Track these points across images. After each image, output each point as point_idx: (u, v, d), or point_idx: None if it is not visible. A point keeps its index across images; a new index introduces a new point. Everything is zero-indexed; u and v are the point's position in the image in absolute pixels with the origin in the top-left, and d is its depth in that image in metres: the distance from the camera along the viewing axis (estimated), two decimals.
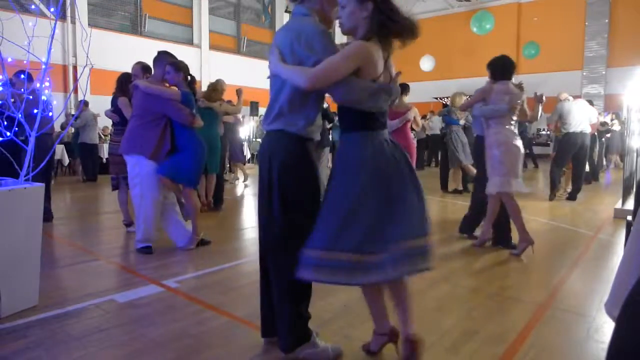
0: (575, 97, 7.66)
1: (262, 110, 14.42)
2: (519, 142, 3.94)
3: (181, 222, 4.12)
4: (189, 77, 3.94)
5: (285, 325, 2.02)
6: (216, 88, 5.70)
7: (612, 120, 11.30)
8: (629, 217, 3.34)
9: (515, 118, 4.04)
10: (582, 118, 6.77)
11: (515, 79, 4.17)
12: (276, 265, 2.04)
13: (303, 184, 1.96)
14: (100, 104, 10.61)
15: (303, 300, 2.04)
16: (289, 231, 1.94)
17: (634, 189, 4.93)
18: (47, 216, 4.89)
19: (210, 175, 5.86)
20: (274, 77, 1.98)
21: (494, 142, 3.92)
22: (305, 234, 1.87)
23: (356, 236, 1.79)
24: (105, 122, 10.26)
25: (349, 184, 1.86)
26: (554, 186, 7.03)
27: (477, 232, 4.39)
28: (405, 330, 1.93)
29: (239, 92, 5.94)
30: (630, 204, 5.61)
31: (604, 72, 16.04)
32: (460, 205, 6.51)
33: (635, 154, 5.99)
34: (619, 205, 5.86)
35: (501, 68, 4.00)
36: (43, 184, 2.73)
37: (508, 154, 3.84)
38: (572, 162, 7.01)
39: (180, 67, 3.86)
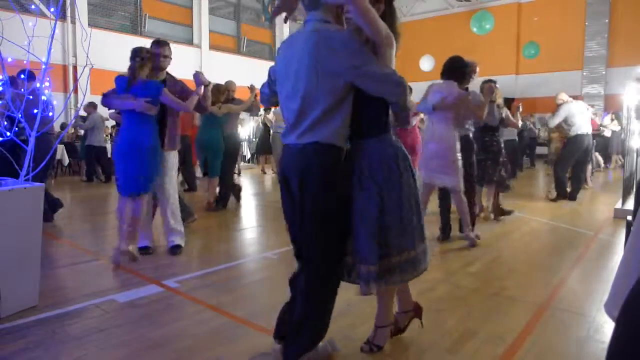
0: (577, 97, 7.63)
1: (261, 111, 14.40)
2: (434, 144, 4.01)
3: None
4: (139, 61, 3.49)
5: (305, 335, 1.92)
6: (219, 90, 5.81)
7: (612, 120, 11.29)
8: (629, 217, 3.33)
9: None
10: (586, 119, 6.77)
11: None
12: (317, 278, 1.92)
13: (341, 196, 1.88)
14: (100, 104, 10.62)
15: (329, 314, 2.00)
16: (328, 244, 1.89)
17: (634, 189, 4.93)
18: (47, 216, 4.87)
19: (212, 178, 5.93)
20: (297, 84, 1.82)
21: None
22: (342, 244, 1.93)
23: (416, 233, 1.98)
24: (112, 122, 10.27)
25: (396, 188, 1.91)
26: (563, 188, 6.89)
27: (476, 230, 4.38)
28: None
29: (251, 88, 6.02)
30: (630, 204, 5.61)
31: (604, 72, 16.03)
32: None
33: (635, 154, 5.99)
34: (619, 205, 5.85)
35: (447, 68, 4.09)
36: (43, 184, 2.73)
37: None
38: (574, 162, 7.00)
39: (132, 54, 3.52)
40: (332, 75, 1.76)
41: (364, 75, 1.76)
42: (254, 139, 13.95)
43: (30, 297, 2.65)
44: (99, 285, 3.10)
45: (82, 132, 9.88)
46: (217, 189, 6.11)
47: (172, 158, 3.87)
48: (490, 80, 4.97)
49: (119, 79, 3.56)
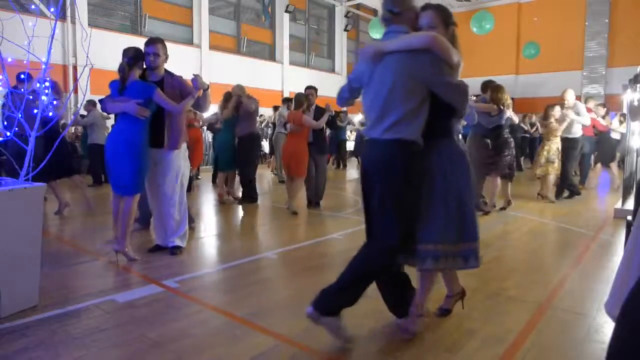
0: (576, 97, 7.62)
1: (262, 110, 14.42)
2: None
3: None
4: (127, 62, 3.47)
5: (345, 297, 2.17)
6: (227, 99, 6.48)
7: (620, 123, 11.25)
8: (629, 217, 3.34)
9: None
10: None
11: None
12: (377, 257, 2.20)
13: (416, 185, 2.12)
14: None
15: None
16: (401, 227, 2.12)
17: (634, 189, 4.93)
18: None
19: (228, 172, 6.67)
20: (384, 86, 2.10)
21: None
22: (412, 228, 2.16)
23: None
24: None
25: (468, 183, 2.24)
26: (574, 185, 7.12)
27: None
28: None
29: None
30: (630, 204, 5.61)
31: (604, 72, 16.04)
32: None
33: (635, 154, 5.99)
34: (619, 205, 5.86)
35: None
36: (44, 184, 2.73)
37: None
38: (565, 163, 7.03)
39: (122, 55, 3.53)
40: (417, 80, 2.07)
41: (441, 82, 2.08)
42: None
43: (30, 297, 2.65)
44: (99, 285, 3.10)
45: (80, 130, 9.83)
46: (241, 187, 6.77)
47: (175, 158, 3.79)
48: (490, 81, 4.98)
49: (113, 82, 3.54)
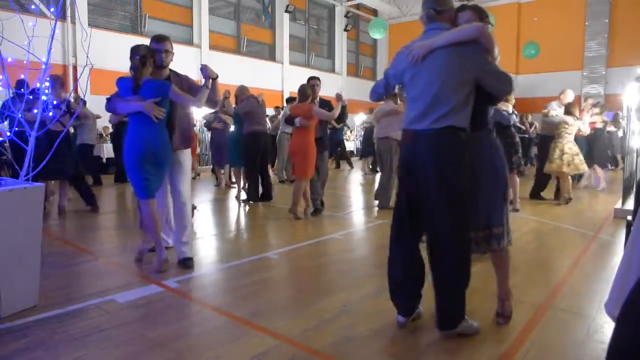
0: (576, 97, 7.66)
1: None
2: None
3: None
4: (139, 59, 3.23)
5: (456, 304, 2.27)
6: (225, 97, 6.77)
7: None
8: (629, 217, 3.34)
9: None
10: None
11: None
12: (458, 251, 2.25)
13: (468, 170, 2.22)
14: (100, 104, 10.60)
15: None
16: (460, 220, 2.22)
17: (634, 189, 4.93)
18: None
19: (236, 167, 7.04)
20: (433, 80, 2.19)
21: None
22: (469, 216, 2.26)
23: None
24: (104, 122, 10.26)
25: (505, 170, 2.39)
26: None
27: None
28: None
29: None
30: (630, 204, 5.61)
31: (604, 72, 16.03)
32: None
33: (635, 154, 5.99)
34: (619, 205, 5.85)
35: None
36: (43, 184, 2.73)
37: None
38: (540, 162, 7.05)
39: (132, 52, 3.28)
40: (467, 72, 2.17)
41: (489, 72, 2.19)
42: None
43: (30, 297, 2.65)
44: (99, 285, 3.10)
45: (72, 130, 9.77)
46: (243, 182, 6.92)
47: (187, 157, 3.66)
48: None
49: (122, 80, 3.33)
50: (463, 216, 2.21)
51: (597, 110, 8.59)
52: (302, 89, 5.46)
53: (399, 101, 6.20)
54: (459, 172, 2.18)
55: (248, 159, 6.54)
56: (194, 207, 5.29)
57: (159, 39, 3.51)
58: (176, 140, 3.56)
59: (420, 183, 2.25)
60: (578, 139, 8.55)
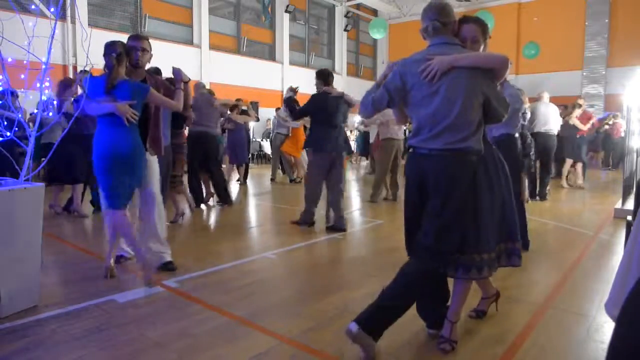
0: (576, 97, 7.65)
1: (262, 110, 14.43)
2: None
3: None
4: (116, 57, 2.96)
5: (391, 309, 2.16)
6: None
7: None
8: (629, 217, 3.33)
9: None
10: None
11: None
12: (422, 267, 2.18)
13: (479, 191, 2.18)
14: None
15: None
16: (457, 235, 2.15)
17: (634, 189, 4.93)
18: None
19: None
20: (451, 100, 2.11)
21: None
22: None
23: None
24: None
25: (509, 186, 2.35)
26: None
27: None
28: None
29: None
30: (630, 204, 5.61)
31: (604, 72, 16.03)
32: None
33: (635, 154, 5.99)
34: (619, 205, 5.85)
35: None
36: (43, 184, 2.73)
37: None
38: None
39: (106, 49, 3.01)
40: (481, 94, 2.13)
41: (497, 95, 2.18)
42: (254, 139, 13.94)
43: (30, 297, 2.65)
44: (99, 285, 3.10)
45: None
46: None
47: (155, 160, 3.46)
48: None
49: (93, 79, 3.05)
50: (448, 237, 2.13)
51: (578, 111, 8.35)
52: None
53: None
54: (464, 194, 2.11)
55: (188, 162, 5.89)
56: (182, 213, 5.19)
57: (136, 37, 3.34)
58: (150, 144, 3.34)
59: (427, 200, 2.18)
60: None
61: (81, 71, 6.48)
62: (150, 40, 3.45)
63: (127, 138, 3.01)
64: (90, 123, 5.38)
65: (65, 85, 5.21)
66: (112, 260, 3.31)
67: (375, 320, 2.10)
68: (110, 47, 2.97)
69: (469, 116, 2.11)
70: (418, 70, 2.15)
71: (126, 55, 3.05)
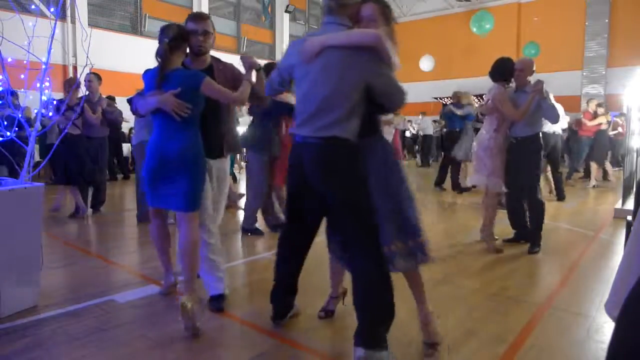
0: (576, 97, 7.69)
1: None
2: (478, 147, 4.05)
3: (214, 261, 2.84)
4: (168, 43, 2.47)
5: (379, 316, 2.02)
6: None
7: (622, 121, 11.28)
8: (629, 217, 3.33)
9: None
10: None
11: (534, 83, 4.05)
12: (370, 264, 2.04)
13: (364, 183, 2.04)
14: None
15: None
16: (371, 232, 2.02)
17: (634, 189, 4.93)
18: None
19: None
20: (322, 82, 2.00)
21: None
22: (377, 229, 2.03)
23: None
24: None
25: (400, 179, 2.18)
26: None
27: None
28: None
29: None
30: (630, 204, 5.61)
31: (604, 72, 16.02)
32: (460, 205, 6.51)
33: (635, 154, 5.99)
34: (619, 205, 5.85)
35: (493, 70, 4.07)
36: (43, 184, 2.73)
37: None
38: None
39: (161, 33, 2.54)
40: (359, 78, 1.98)
41: (382, 80, 2.00)
42: None
43: (30, 297, 2.65)
44: (99, 285, 3.10)
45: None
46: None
47: (227, 166, 2.96)
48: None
49: (147, 73, 2.58)
50: (372, 228, 2.02)
51: (602, 110, 8.57)
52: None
53: None
54: (351, 183, 2.01)
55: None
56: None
57: (197, 17, 2.68)
58: (224, 145, 2.81)
59: (311, 191, 2.14)
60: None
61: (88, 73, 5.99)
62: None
63: (176, 138, 2.45)
64: (91, 127, 5.39)
65: (71, 84, 5.23)
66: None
67: (373, 332, 2.00)
68: (163, 32, 2.50)
69: (338, 100, 1.97)
70: (297, 51, 2.08)
71: (184, 41, 2.56)
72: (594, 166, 8.61)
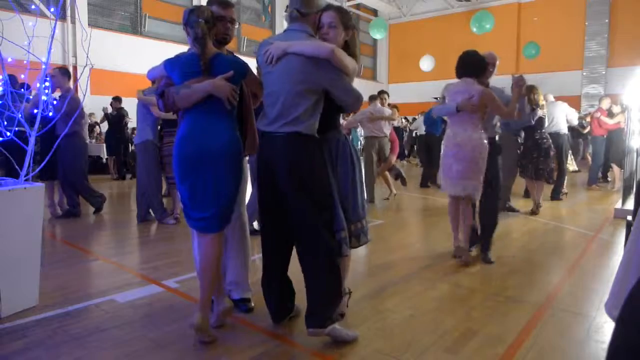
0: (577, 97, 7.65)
1: None
2: (456, 149, 3.55)
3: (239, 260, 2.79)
4: (206, 24, 2.20)
5: (327, 300, 2.22)
6: None
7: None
8: (629, 217, 3.33)
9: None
10: None
11: (514, 79, 3.89)
12: (320, 250, 2.22)
13: (326, 180, 2.27)
14: (100, 103, 10.62)
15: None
16: (326, 223, 2.23)
17: (634, 189, 4.93)
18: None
19: None
20: (285, 83, 2.21)
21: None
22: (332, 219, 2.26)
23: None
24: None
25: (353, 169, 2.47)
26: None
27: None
28: None
29: None
30: (630, 204, 5.61)
31: (604, 72, 16.04)
32: None
33: (635, 154, 5.99)
34: (619, 205, 5.85)
35: (462, 64, 3.66)
36: (43, 184, 2.73)
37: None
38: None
39: (189, 16, 2.21)
40: (316, 82, 2.20)
41: (338, 86, 2.24)
42: None
43: (30, 297, 2.65)
44: (99, 285, 3.10)
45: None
46: None
47: (247, 170, 2.85)
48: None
49: (172, 62, 2.25)
50: (326, 217, 2.23)
51: (618, 108, 8.17)
52: None
53: (385, 103, 6.46)
54: (313, 175, 2.21)
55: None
56: (176, 217, 5.25)
57: (225, 3, 2.48)
58: (248, 143, 2.54)
59: (277, 183, 2.27)
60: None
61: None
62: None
63: (224, 128, 2.21)
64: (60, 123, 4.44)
65: (63, 73, 5.08)
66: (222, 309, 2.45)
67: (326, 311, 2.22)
68: (193, 14, 2.19)
69: (297, 101, 2.19)
70: (262, 53, 2.30)
71: (214, 25, 2.30)
72: (616, 168, 8.15)
